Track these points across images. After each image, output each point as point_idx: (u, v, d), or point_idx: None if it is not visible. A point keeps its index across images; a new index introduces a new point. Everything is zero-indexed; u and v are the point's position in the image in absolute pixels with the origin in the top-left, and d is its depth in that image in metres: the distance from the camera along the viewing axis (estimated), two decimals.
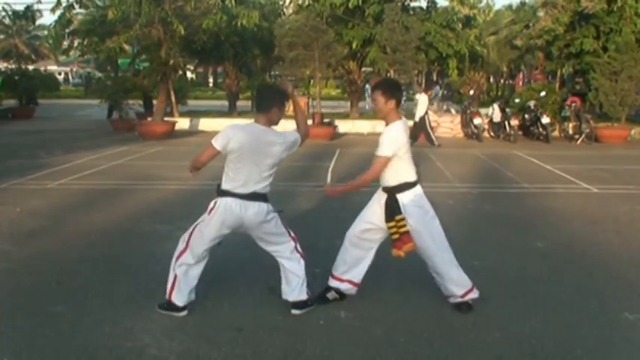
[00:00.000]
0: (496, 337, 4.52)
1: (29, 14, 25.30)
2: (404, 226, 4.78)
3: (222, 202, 4.62)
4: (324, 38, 20.45)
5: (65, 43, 27.26)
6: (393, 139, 4.71)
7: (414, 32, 21.28)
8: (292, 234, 4.94)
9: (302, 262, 4.93)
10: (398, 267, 5.56)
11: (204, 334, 4.54)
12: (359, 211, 8.47)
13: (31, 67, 40.87)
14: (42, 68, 56.49)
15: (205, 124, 22.83)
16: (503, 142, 18.94)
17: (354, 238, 5.08)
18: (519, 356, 4.23)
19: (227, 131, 4.56)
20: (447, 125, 21.47)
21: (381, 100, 4.75)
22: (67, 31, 24.21)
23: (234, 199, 4.58)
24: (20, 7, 65.95)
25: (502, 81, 41.11)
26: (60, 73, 64.74)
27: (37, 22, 42.55)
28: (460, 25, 29.27)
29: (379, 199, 4.99)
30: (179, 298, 4.79)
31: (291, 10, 29.60)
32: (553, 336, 4.54)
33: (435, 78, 45.25)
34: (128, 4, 18.86)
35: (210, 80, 63.58)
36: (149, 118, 21.55)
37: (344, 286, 5.14)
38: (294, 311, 4.90)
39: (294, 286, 4.89)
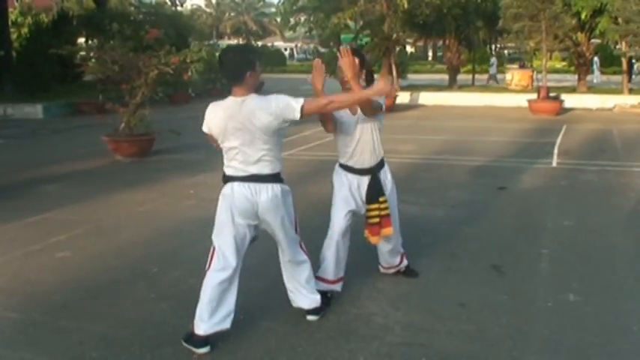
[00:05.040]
0: None
1: None
2: (386, 208, 4.51)
3: (227, 187, 3.94)
4: (552, 9, 19.56)
5: (292, 20, 28.66)
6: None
7: None
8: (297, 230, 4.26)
9: (305, 263, 4.31)
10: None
11: (427, 307, 4.58)
12: (589, 190, 8.06)
13: (259, 43, 43.55)
14: (269, 44, 60.05)
15: (425, 97, 22.88)
16: None
17: (344, 232, 4.61)
18: None
19: (206, 114, 3.97)
20: None
21: (358, 67, 4.51)
22: (294, 8, 25.42)
23: (240, 183, 3.88)
24: None
25: None
26: (285, 49, 68.36)
27: None
28: None
29: (349, 183, 4.57)
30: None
31: None
32: None
33: None
34: None
35: (430, 54, 63.34)
36: None
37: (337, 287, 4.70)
38: (309, 317, 4.37)
39: (298, 293, 4.35)
